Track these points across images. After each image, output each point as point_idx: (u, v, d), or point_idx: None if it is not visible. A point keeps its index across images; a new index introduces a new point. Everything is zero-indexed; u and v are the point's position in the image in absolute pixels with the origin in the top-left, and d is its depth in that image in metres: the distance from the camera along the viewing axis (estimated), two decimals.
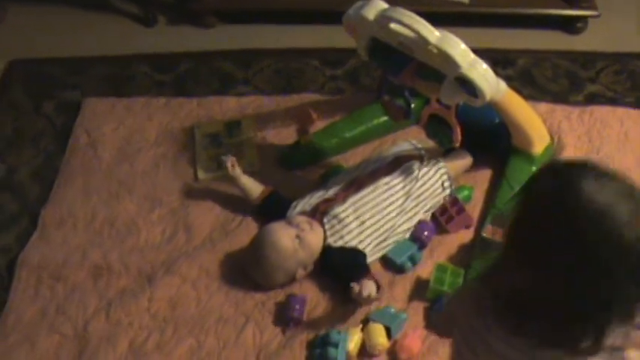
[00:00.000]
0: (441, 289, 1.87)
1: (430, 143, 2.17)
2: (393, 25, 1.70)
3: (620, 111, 2.36)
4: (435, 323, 1.76)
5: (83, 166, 2.23)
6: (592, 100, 2.44)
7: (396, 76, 1.85)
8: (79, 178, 2.20)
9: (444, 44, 1.66)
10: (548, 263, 1.05)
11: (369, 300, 1.78)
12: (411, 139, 2.19)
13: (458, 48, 1.67)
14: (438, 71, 1.72)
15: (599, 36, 2.66)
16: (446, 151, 2.12)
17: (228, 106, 2.39)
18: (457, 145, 1.94)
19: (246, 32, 2.67)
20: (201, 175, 2.18)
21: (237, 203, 2.11)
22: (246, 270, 1.92)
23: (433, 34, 1.66)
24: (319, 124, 2.28)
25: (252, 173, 2.14)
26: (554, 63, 2.57)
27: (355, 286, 1.77)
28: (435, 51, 1.66)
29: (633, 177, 2.11)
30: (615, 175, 1.06)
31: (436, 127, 1.96)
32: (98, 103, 2.41)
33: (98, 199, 2.15)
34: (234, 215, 2.08)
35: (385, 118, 2.26)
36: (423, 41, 1.67)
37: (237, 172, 2.03)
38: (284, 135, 2.30)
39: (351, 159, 2.24)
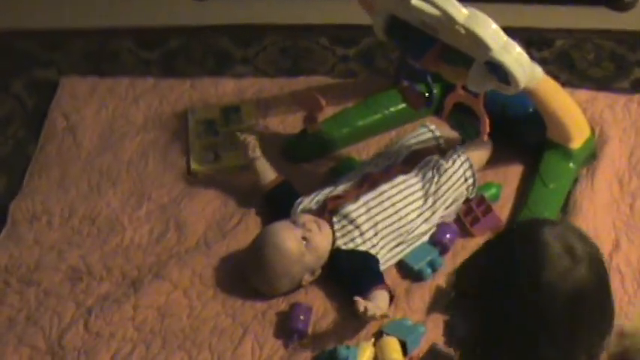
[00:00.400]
0: None
1: (448, 130, 2.21)
2: (415, 2, 1.73)
3: None
4: None
5: (60, 155, 2.27)
6: (639, 86, 2.48)
7: (418, 60, 1.88)
8: (54, 168, 2.24)
9: (472, 24, 1.69)
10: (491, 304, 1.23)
11: (374, 319, 1.81)
12: (429, 123, 2.23)
13: (489, 28, 1.70)
14: (466, 55, 1.76)
15: None
16: (464, 139, 2.16)
17: (225, 89, 2.43)
18: (485, 137, 1.97)
19: (246, 4, 2.70)
20: (194, 166, 2.22)
21: (235, 199, 2.14)
22: (246, 275, 1.95)
23: (461, 12, 1.69)
24: (328, 111, 2.29)
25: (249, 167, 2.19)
26: (597, 44, 2.60)
27: (360, 303, 1.78)
28: (462, 31, 1.69)
29: None
30: (580, 235, 1.24)
31: (461, 117, 2.00)
32: (77, 83, 2.45)
33: (77, 192, 2.18)
34: (232, 213, 2.12)
35: (403, 105, 2.29)
36: (449, 20, 1.70)
37: (258, 152, 2.07)
38: (289, 123, 2.33)
39: (364, 151, 2.27)
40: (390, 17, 1.86)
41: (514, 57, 1.71)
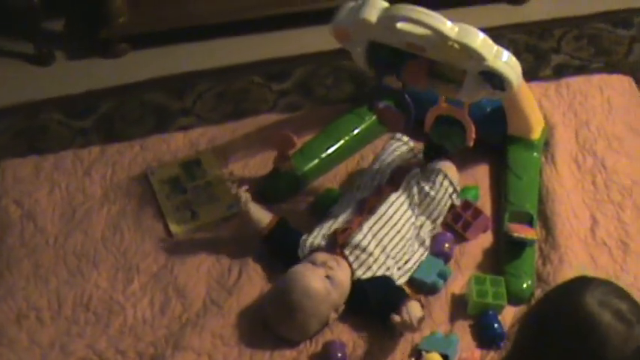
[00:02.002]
0: (486, 302, 1.96)
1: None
2: (401, 25, 1.78)
3: (596, 78, 2.57)
4: None
5: (25, 245, 2.13)
6: (561, 71, 2.66)
7: (402, 79, 1.93)
8: (24, 260, 2.10)
9: (464, 37, 1.75)
10: None
11: (418, 323, 1.83)
12: (401, 137, 2.27)
13: (479, 39, 1.77)
14: (455, 68, 1.82)
15: (545, 2, 2.88)
16: (425, 159, 2.24)
17: (177, 144, 2.38)
18: (471, 144, 2.05)
19: (167, 55, 2.66)
20: (174, 229, 2.16)
21: (227, 252, 2.10)
22: (271, 325, 1.92)
23: (452, 29, 1.75)
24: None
25: (233, 216, 2.16)
26: (511, 39, 2.76)
27: (395, 317, 1.82)
28: (456, 46, 1.75)
29: (628, 144, 2.33)
30: (616, 290, 1.26)
31: (445, 129, 2.06)
32: (19, 165, 2.31)
33: (58, 280, 2.06)
34: (229, 267, 2.07)
35: (362, 127, 2.34)
36: (441, 38, 1.75)
37: (251, 204, 2.04)
38: (254, 165, 2.32)
39: (336, 180, 2.30)
40: (369, 44, 1.90)
41: (507, 62, 1.79)
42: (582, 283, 1.26)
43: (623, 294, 1.25)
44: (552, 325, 1.23)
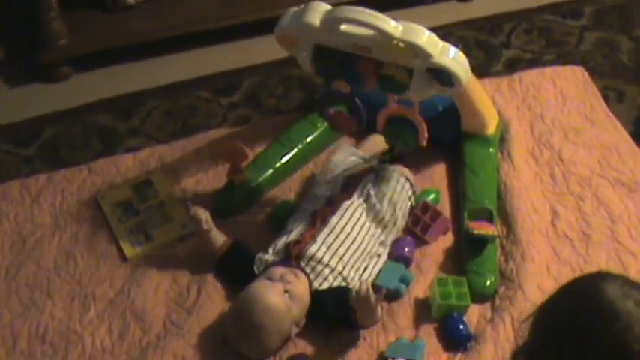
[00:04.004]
0: (450, 303, 2.01)
1: (374, 147, 2.33)
2: (345, 27, 1.82)
3: (548, 71, 2.65)
4: None
5: None
6: (513, 66, 2.73)
7: (354, 83, 1.97)
8: None
9: (409, 36, 1.80)
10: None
11: (374, 297, 1.85)
12: (347, 147, 2.34)
13: (424, 36, 1.82)
14: (402, 67, 1.86)
15: None
16: (385, 159, 2.28)
17: (126, 165, 2.40)
18: (424, 144, 2.09)
19: (112, 76, 2.67)
20: (129, 252, 2.17)
21: (184, 272, 2.12)
22: (234, 345, 1.94)
23: (395, 27, 1.79)
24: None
25: (186, 236, 2.20)
26: (460, 36, 2.82)
27: (352, 298, 1.87)
28: (401, 45, 1.80)
29: (585, 135, 2.37)
30: (632, 282, 1.30)
31: (397, 129, 2.10)
32: None
33: (11, 314, 2.06)
34: (187, 287, 2.09)
35: (315, 135, 2.39)
36: (385, 38, 1.80)
37: (211, 224, 2.06)
38: (207, 181, 2.34)
39: (291, 191, 2.34)
40: (315, 48, 1.93)
41: (454, 58, 1.84)
42: (600, 275, 1.32)
43: (638, 285, 1.30)
44: (574, 315, 1.28)
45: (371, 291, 1.85)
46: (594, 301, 1.26)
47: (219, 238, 2.09)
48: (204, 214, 2.06)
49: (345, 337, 1.98)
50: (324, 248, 2.03)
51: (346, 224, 2.08)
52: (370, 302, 1.85)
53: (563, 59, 2.75)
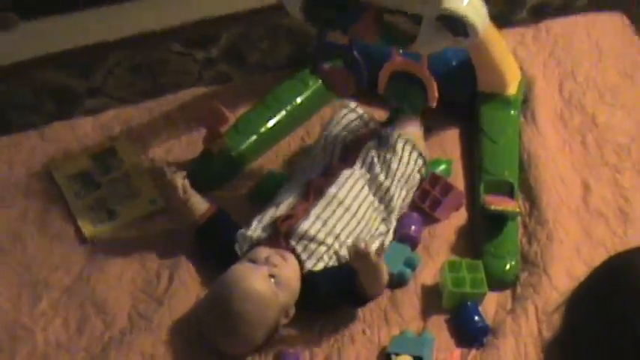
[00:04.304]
0: (463, 291, 2.02)
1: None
2: None
3: (581, 19, 2.65)
4: None
5: None
6: (539, 13, 2.73)
7: (348, 31, 1.97)
8: None
9: None
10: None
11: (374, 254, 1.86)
12: (349, 104, 2.33)
13: None
14: (409, 15, 1.86)
15: None
16: (390, 119, 2.29)
17: (85, 130, 2.41)
18: (434, 105, 2.10)
19: (66, 25, 2.63)
20: (88, 232, 2.18)
21: (153, 255, 2.13)
22: (210, 340, 1.95)
23: None
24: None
25: (155, 213, 2.21)
26: None
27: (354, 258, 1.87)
28: None
29: (623, 95, 2.36)
30: None
31: (402, 87, 2.10)
32: None
33: None
34: (156, 273, 2.10)
35: (306, 95, 2.41)
36: None
37: (190, 191, 2.08)
38: (179, 149, 2.36)
39: (278, 160, 2.35)
40: None
41: (468, 4, 1.84)
42: (636, 252, 1.34)
43: None
44: (605, 299, 1.29)
45: (370, 247, 1.86)
46: (627, 282, 1.28)
47: (200, 205, 2.10)
48: (181, 180, 2.07)
49: (342, 330, 1.99)
50: (318, 224, 2.04)
51: (345, 197, 2.09)
52: (370, 259, 1.85)
53: (599, 4, 2.74)
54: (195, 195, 2.10)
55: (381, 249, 1.89)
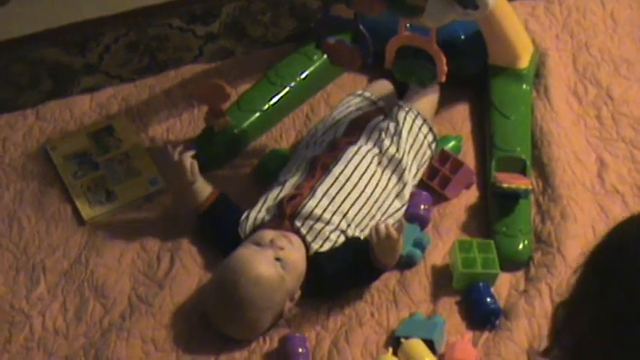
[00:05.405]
0: (474, 272, 1.99)
1: (383, 89, 2.30)
2: None
3: None
4: None
5: None
6: None
7: (353, 5, 1.93)
8: None
9: None
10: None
11: (397, 230, 1.85)
12: (356, 90, 2.31)
13: None
14: None
15: None
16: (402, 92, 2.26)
17: (82, 109, 2.38)
18: (443, 79, 2.06)
19: (62, 1, 2.63)
20: (86, 213, 2.16)
21: (154, 238, 2.11)
22: (214, 324, 1.93)
23: None
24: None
25: (157, 193, 2.18)
26: None
27: (372, 237, 1.86)
28: None
29: (638, 65, 2.32)
30: None
31: (410, 62, 2.07)
32: None
33: None
34: (157, 256, 2.09)
35: (311, 69, 2.37)
36: None
37: (197, 174, 2.05)
38: (180, 127, 2.33)
39: (282, 138, 2.32)
40: None
41: None
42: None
43: None
44: (620, 256, 1.26)
45: (391, 227, 1.84)
46: None
47: (204, 189, 2.07)
48: (191, 161, 2.04)
49: (349, 313, 1.97)
50: (325, 202, 2.01)
51: (352, 174, 2.06)
52: (392, 240, 1.85)
53: None
54: (201, 178, 2.07)
55: (400, 227, 1.86)
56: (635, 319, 1.20)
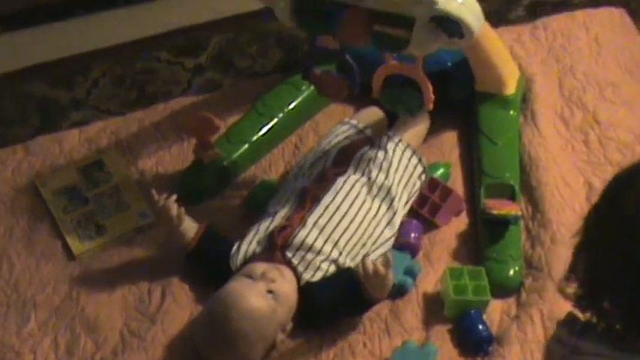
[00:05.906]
0: (465, 299, 1.99)
1: (371, 116, 2.31)
2: None
3: (580, 15, 2.63)
4: None
5: None
6: (535, 10, 2.71)
7: (338, 38, 1.95)
8: None
9: None
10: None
11: (384, 267, 1.85)
12: (343, 118, 2.33)
13: None
14: (401, 17, 1.84)
15: None
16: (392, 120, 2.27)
17: (71, 143, 2.39)
18: (430, 107, 2.07)
19: (50, 36, 2.61)
20: (76, 248, 2.16)
21: (145, 272, 2.11)
22: (206, 357, 1.93)
23: None
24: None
25: (148, 226, 2.18)
26: None
27: (360, 272, 1.87)
28: None
29: (625, 90, 2.34)
30: None
31: (397, 91, 2.08)
32: None
33: None
34: (148, 289, 2.08)
35: (298, 101, 2.38)
36: None
37: (183, 217, 2.05)
38: (169, 160, 2.34)
39: (271, 169, 2.33)
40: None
41: (462, 3, 1.81)
42: None
43: None
44: (614, 201, 1.35)
45: (378, 264, 1.84)
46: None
47: (191, 230, 2.07)
48: (174, 206, 2.03)
49: (341, 343, 1.97)
50: (315, 232, 2.02)
51: (341, 204, 2.07)
52: (380, 277, 1.85)
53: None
54: (188, 219, 2.07)
55: (386, 262, 1.87)
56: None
